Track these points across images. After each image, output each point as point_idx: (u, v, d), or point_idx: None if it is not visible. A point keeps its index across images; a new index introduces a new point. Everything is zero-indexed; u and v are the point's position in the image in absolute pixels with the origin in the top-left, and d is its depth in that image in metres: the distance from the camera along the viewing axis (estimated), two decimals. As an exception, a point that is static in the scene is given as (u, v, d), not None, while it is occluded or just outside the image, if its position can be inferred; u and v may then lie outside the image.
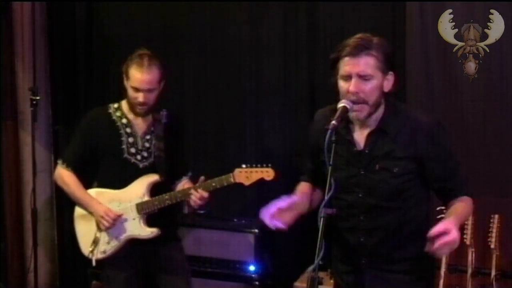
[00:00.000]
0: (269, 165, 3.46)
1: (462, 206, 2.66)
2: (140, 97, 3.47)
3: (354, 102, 2.55)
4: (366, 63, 2.54)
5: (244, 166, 3.48)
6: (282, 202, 2.62)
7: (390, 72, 2.61)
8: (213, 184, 3.46)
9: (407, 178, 2.63)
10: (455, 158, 2.72)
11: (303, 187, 2.89)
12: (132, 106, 3.55)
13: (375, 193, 2.64)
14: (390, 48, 2.65)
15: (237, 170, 3.47)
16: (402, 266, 2.68)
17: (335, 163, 2.49)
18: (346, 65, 2.56)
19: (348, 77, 2.56)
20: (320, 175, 2.71)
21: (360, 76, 2.54)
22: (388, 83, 2.60)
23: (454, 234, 2.43)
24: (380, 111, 2.64)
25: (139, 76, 3.45)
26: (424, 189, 2.70)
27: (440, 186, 2.69)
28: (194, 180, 3.62)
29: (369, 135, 2.65)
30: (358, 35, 2.60)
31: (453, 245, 2.45)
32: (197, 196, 3.45)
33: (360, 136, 2.67)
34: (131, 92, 3.50)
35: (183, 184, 3.65)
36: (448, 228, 2.43)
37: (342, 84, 2.59)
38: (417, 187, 2.67)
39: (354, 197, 2.67)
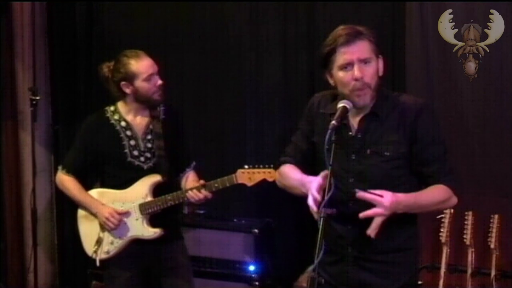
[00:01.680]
0: (271, 165, 3.46)
1: (430, 192, 2.63)
2: (157, 80, 3.49)
3: (359, 89, 2.56)
4: (363, 47, 2.57)
5: (246, 166, 3.50)
6: (316, 184, 2.53)
7: (380, 56, 2.64)
8: (216, 185, 3.49)
9: (398, 164, 2.63)
10: (443, 144, 2.69)
11: (294, 168, 2.81)
12: (148, 99, 3.51)
13: (366, 178, 2.63)
14: (375, 33, 2.66)
15: (239, 171, 3.49)
16: (388, 257, 2.66)
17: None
18: (345, 54, 2.56)
19: (348, 66, 2.56)
20: (308, 156, 2.76)
21: (361, 61, 2.56)
22: (381, 67, 2.64)
23: (384, 199, 2.47)
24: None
25: (147, 62, 3.49)
26: (414, 179, 2.69)
27: (423, 170, 2.66)
28: (198, 171, 3.66)
29: (362, 120, 2.66)
30: (341, 27, 2.62)
31: (379, 205, 2.47)
32: (201, 197, 3.48)
33: (354, 121, 2.68)
34: (146, 86, 3.48)
35: (188, 176, 3.66)
36: (384, 194, 2.48)
37: (343, 75, 2.59)
38: (408, 176, 2.67)
39: (344, 183, 2.65)
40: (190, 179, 3.64)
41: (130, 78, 3.48)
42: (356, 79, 2.55)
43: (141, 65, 3.48)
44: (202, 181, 3.51)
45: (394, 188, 2.62)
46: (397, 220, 2.64)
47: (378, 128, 2.64)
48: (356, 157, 2.65)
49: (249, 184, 3.50)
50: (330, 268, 2.74)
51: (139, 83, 3.48)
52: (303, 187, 2.63)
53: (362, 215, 2.51)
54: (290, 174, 2.78)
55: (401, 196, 2.54)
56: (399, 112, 2.64)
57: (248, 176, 3.48)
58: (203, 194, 3.47)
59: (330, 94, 2.77)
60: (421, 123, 2.63)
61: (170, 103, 3.71)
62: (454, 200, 2.69)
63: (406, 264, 2.73)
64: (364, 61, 2.56)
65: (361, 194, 2.51)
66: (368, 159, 2.63)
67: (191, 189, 3.51)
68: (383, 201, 2.49)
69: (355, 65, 2.55)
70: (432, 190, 2.64)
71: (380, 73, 2.63)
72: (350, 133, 2.67)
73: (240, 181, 3.49)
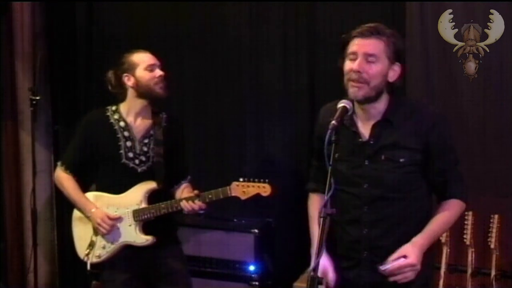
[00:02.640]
0: (266, 180, 3.46)
1: (443, 217, 2.69)
2: (158, 71, 3.53)
3: (353, 80, 2.58)
4: (374, 45, 2.58)
5: (241, 180, 3.46)
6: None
7: (397, 63, 2.63)
8: (210, 196, 3.46)
9: (412, 170, 2.65)
10: (456, 154, 2.74)
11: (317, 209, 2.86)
12: (150, 91, 3.51)
13: (380, 184, 2.65)
14: (402, 42, 2.68)
15: (234, 184, 3.46)
16: None
17: (339, 155, 2.52)
18: (355, 45, 2.60)
19: (354, 56, 2.59)
20: (325, 171, 2.76)
21: (366, 56, 2.57)
22: (394, 73, 2.63)
23: (410, 259, 2.54)
24: (384, 102, 2.67)
25: (148, 54, 3.56)
26: (427, 184, 2.72)
27: (438, 180, 2.70)
28: (194, 184, 3.63)
29: (374, 126, 2.67)
30: (369, 24, 2.64)
31: (408, 268, 2.56)
32: (195, 207, 3.46)
33: (364, 127, 2.68)
34: (146, 75, 3.50)
35: (183, 188, 3.65)
36: (406, 252, 2.56)
37: (347, 63, 2.62)
38: (421, 180, 2.69)
39: (358, 188, 2.67)
40: (185, 192, 3.62)
41: (131, 68, 3.52)
42: (352, 70, 2.57)
43: (141, 55, 3.55)
44: (196, 191, 3.49)
45: (408, 193, 2.65)
46: (412, 222, 2.67)
47: (392, 134, 2.64)
48: (370, 163, 2.66)
49: (243, 197, 3.46)
50: (345, 274, 2.74)
51: (140, 72, 3.51)
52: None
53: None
54: (312, 221, 2.83)
55: (420, 241, 2.60)
56: (415, 120, 2.65)
57: (242, 189, 3.45)
58: (197, 204, 3.45)
59: (334, 105, 2.77)
60: (437, 134, 2.65)
61: (171, 108, 3.72)
62: (464, 207, 2.76)
63: (423, 265, 2.73)
64: (369, 57, 2.57)
65: (387, 270, 2.57)
66: (383, 165, 2.64)
67: (185, 198, 3.48)
68: (410, 262, 2.56)
69: (358, 58, 2.57)
70: (446, 214, 2.70)
71: (390, 79, 2.63)
72: (360, 139, 2.67)
73: (234, 194, 3.46)
